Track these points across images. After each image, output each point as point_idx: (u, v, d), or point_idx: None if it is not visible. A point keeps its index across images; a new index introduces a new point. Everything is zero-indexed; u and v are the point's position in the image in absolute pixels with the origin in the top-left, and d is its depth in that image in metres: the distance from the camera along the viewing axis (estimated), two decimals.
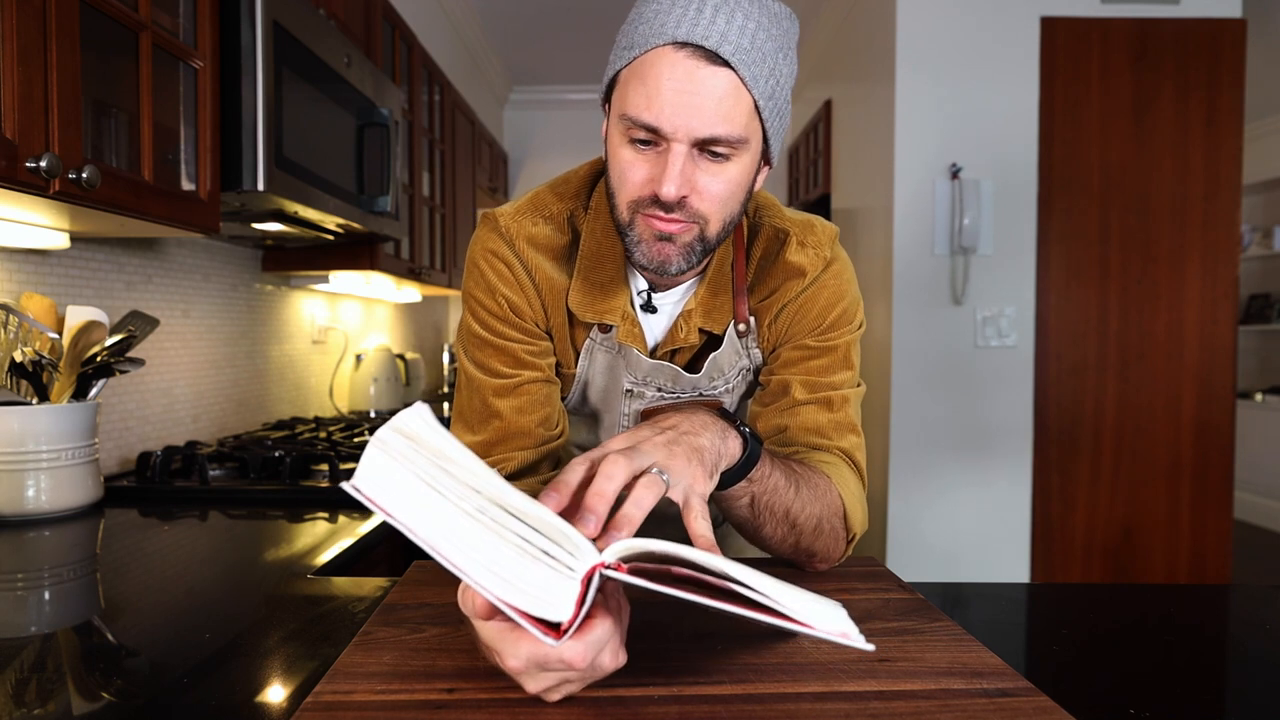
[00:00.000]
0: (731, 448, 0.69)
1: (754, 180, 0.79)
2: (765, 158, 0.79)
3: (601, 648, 0.51)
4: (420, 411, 0.53)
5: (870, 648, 0.52)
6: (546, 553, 0.49)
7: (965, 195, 2.60)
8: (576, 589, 0.48)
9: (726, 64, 0.69)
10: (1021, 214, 2.66)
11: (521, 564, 0.49)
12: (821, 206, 3.66)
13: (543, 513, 0.50)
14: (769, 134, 0.75)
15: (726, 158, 0.72)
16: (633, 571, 0.49)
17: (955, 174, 2.64)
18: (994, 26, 2.63)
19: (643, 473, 0.59)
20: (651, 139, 0.72)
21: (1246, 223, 5.22)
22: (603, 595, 0.52)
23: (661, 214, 0.74)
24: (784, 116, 0.77)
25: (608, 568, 0.49)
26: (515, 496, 0.51)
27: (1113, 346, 2.66)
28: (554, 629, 0.49)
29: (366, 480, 0.51)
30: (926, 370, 2.70)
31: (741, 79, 0.69)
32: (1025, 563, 2.70)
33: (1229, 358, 2.65)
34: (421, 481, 0.51)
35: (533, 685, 0.52)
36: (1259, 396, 4.94)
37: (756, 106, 0.72)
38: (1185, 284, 2.64)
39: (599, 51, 4.15)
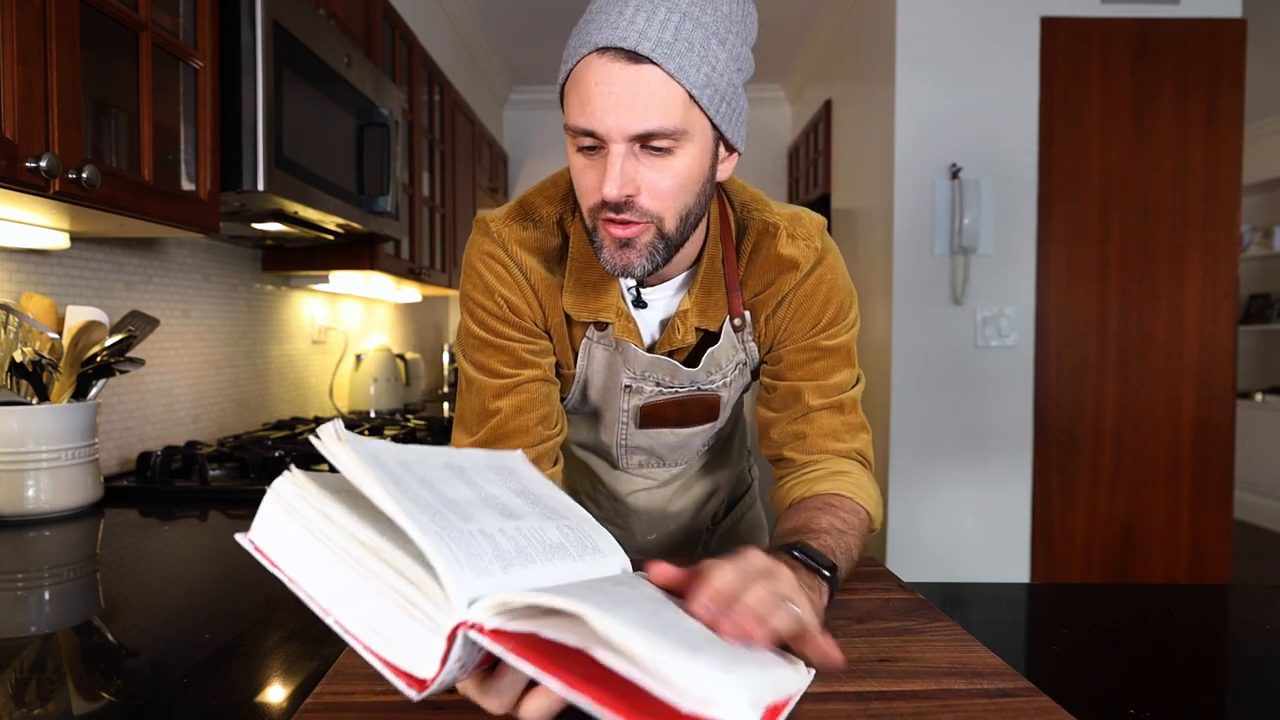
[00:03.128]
0: (823, 601, 0.68)
1: (711, 170, 0.78)
2: (726, 145, 0.79)
3: (516, 693, 0.48)
4: (327, 434, 0.50)
5: None
6: (410, 600, 0.47)
7: (965, 195, 2.60)
8: (441, 646, 0.45)
9: (649, 60, 0.70)
10: (1021, 214, 2.66)
11: (393, 616, 0.47)
12: (821, 206, 3.66)
13: (425, 546, 0.46)
14: (717, 121, 0.75)
15: (669, 151, 0.73)
16: (500, 637, 0.44)
17: (955, 174, 2.64)
18: (994, 26, 2.63)
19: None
20: (594, 144, 0.73)
21: (1246, 223, 5.22)
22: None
23: (613, 215, 0.74)
24: (733, 101, 0.76)
25: (471, 627, 0.45)
26: (390, 542, 0.48)
27: (1113, 346, 2.66)
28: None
29: (260, 532, 0.51)
30: (926, 370, 2.70)
31: (668, 73, 0.70)
32: (1025, 563, 2.70)
33: (1229, 358, 2.65)
34: (307, 531, 0.50)
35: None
36: (1259, 396, 4.94)
37: (692, 97, 0.72)
38: (1185, 284, 2.64)
39: None
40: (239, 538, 0.51)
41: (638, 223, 0.75)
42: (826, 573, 0.69)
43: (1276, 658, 0.72)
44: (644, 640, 0.41)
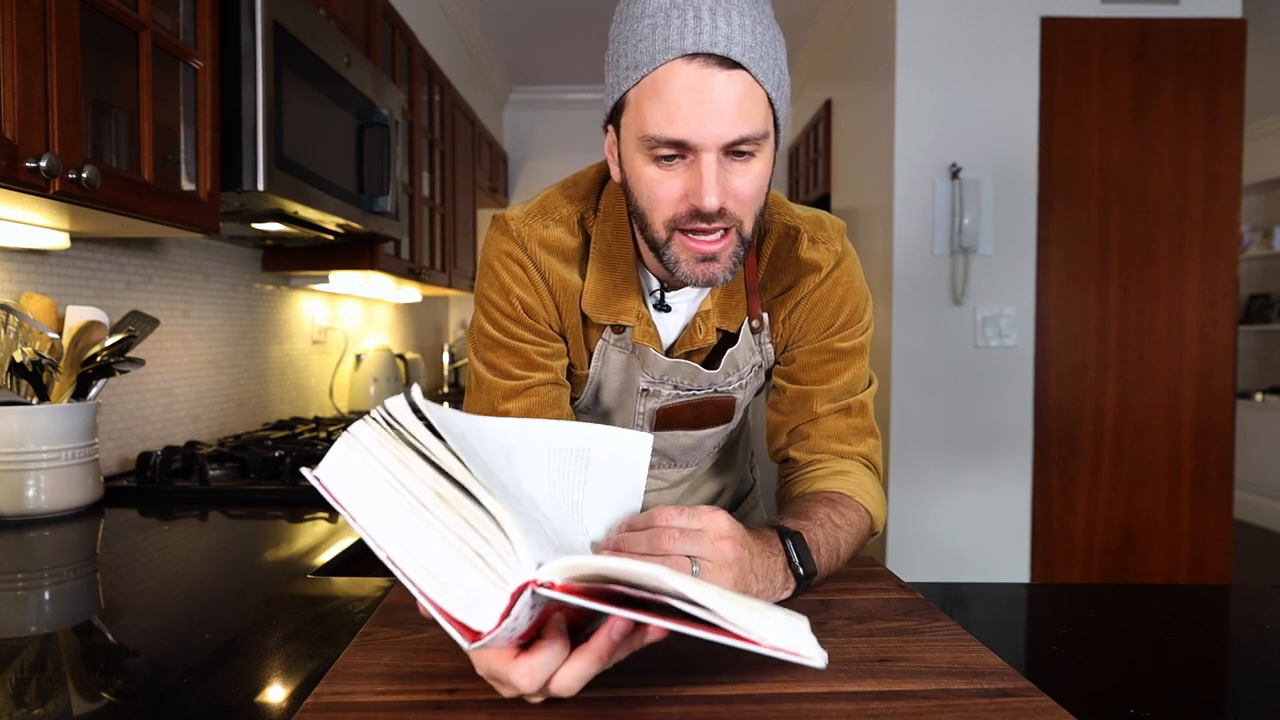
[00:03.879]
0: (782, 595, 0.71)
1: (773, 170, 0.79)
2: (776, 144, 0.80)
3: (550, 671, 0.50)
4: (410, 398, 0.54)
5: (820, 664, 0.49)
6: (479, 554, 0.48)
7: (965, 195, 2.60)
8: (504, 601, 0.47)
9: (739, 65, 0.69)
10: (1021, 214, 2.66)
11: (457, 567, 0.48)
12: (821, 206, 3.66)
13: (498, 512, 0.48)
14: (780, 121, 0.76)
15: (752, 155, 0.72)
16: (573, 592, 0.47)
17: (955, 174, 2.64)
18: (994, 26, 2.63)
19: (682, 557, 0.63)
20: (678, 153, 0.71)
21: (1246, 223, 5.22)
22: (562, 620, 0.52)
23: (703, 226, 0.73)
24: (788, 101, 0.77)
25: (542, 586, 0.47)
26: (475, 490, 0.50)
27: (1113, 346, 2.66)
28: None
29: (329, 471, 0.53)
30: (926, 370, 2.70)
31: (754, 77, 0.70)
32: (1025, 563, 2.70)
33: (1229, 358, 2.65)
34: (379, 475, 0.52)
35: (505, 691, 0.53)
36: (1259, 396, 4.94)
37: (770, 99, 0.72)
38: (1185, 284, 2.64)
39: (599, 51, 4.14)
40: (305, 472, 0.53)
41: (724, 230, 0.74)
42: (801, 570, 0.71)
43: (1276, 658, 0.72)
44: (717, 597, 0.46)
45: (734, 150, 0.71)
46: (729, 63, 0.68)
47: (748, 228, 0.76)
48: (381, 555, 0.50)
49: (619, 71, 0.74)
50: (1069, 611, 0.87)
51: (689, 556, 0.63)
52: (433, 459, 0.52)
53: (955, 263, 2.67)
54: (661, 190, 0.73)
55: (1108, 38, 2.61)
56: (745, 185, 0.73)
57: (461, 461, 0.51)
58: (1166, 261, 2.64)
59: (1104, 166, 2.63)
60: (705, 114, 0.69)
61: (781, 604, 0.71)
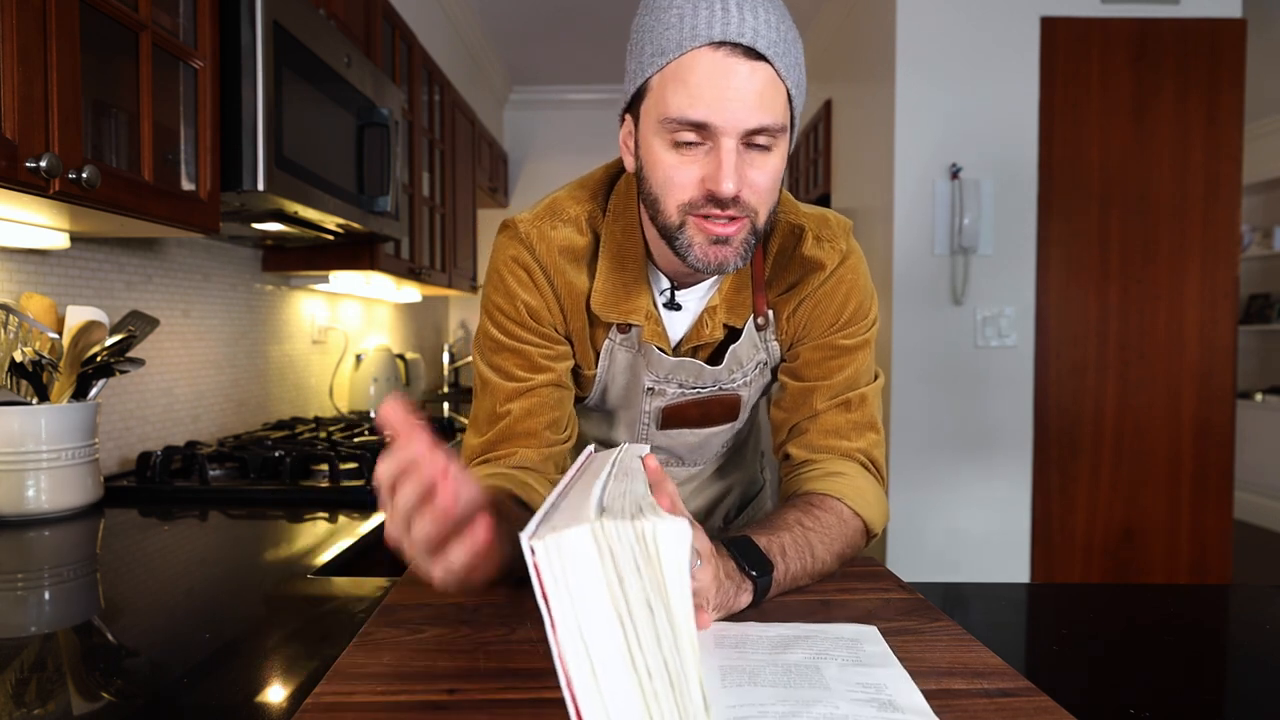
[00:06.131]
0: (740, 602, 0.71)
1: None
2: (791, 143, 0.81)
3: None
4: (677, 533, 0.44)
5: None
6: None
7: (965, 195, 2.60)
8: None
9: (763, 58, 0.71)
10: (1021, 214, 2.66)
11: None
12: (822, 206, 3.65)
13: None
14: (796, 122, 0.77)
15: (769, 148, 0.74)
16: None
17: (955, 174, 2.64)
18: (994, 26, 2.63)
19: None
20: (698, 138, 0.73)
21: (1246, 223, 5.22)
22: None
23: (717, 212, 0.74)
24: (804, 103, 0.79)
25: None
26: (694, 686, 0.43)
27: (1113, 346, 2.66)
28: None
29: (551, 552, 0.42)
30: (926, 370, 2.70)
31: (777, 71, 0.72)
32: (1025, 563, 2.70)
33: (1229, 358, 2.65)
34: (609, 596, 0.43)
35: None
36: (1259, 396, 4.94)
37: (789, 96, 0.74)
38: (1185, 284, 2.64)
39: (599, 51, 4.15)
40: (522, 537, 0.43)
41: (739, 218, 0.75)
42: (753, 572, 0.71)
43: (1276, 658, 0.72)
44: None
45: (753, 141, 0.73)
46: (754, 54, 0.70)
47: (761, 220, 0.77)
48: (559, 660, 0.43)
49: (642, 59, 0.75)
50: (1069, 611, 0.87)
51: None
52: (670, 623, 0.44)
53: (955, 263, 2.67)
54: (678, 175, 0.75)
55: (1108, 38, 2.61)
56: (761, 177, 0.74)
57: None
58: (1166, 261, 2.64)
59: (1104, 166, 2.63)
60: (728, 99, 0.70)
61: (747, 612, 0.71)
